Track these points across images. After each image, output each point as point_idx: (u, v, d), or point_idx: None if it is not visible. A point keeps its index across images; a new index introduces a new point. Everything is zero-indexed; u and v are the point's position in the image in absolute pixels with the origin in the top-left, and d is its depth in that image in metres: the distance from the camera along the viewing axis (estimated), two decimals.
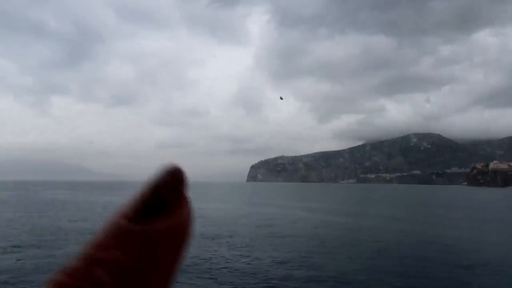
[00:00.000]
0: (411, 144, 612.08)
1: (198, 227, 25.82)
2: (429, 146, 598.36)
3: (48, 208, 40.74)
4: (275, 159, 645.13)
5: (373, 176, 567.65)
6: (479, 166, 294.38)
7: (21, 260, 14.80)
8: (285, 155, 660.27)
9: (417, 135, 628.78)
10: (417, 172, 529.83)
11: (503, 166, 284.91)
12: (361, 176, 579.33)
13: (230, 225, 27.62)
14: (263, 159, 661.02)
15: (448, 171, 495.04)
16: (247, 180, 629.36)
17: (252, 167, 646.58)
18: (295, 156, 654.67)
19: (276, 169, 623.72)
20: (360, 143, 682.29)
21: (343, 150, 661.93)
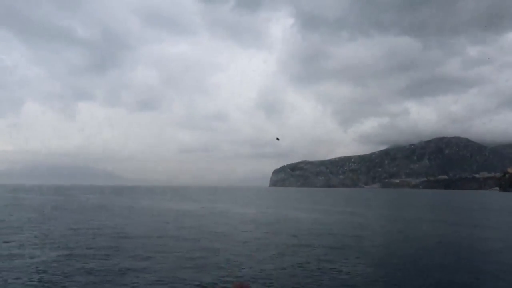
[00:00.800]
0: (437, 148, 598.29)
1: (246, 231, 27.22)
2: (456, 150, 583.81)
3: (106, 213, 43.02)
4: (298, 163, 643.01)
5: (397, 181, 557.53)
6: (511, 170, 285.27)
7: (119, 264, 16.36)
8: (307, 159, 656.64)
9: (443, 138, 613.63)
10: (443, 177, 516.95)
11: None
12: (386, 181, 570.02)
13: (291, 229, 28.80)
14: (285, 164, 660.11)
15: (477, 175, 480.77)
16: (270, 185, 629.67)
17: (275, 171, 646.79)
18: (318, 161, 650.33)
19: (299, 174, 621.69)
20: (384, 147, 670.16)
21: (367, 154, 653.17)
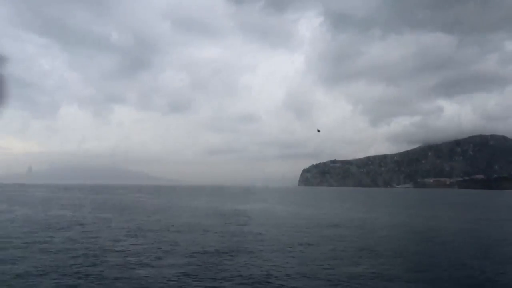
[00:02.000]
0: (473, 146, 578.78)
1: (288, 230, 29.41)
2: (493, 148, 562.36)
3: (164, 213, 46.38)
4: (327, 163, 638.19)
5: (431, 180, 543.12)
6: None
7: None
8: (337, 159, 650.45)
9: (479, 137, 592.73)
10: (480, 176, 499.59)
11: None
12: (418, 180, 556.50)
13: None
14: (314, 163, 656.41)
15: None
16: (299, 184, 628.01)
17: (304, 171, 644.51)
18: (348, 160, 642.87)
19: (328, 173, 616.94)
20: (416, 146, 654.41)
21: (398, 153, 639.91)
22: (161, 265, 16.78)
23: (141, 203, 64.47)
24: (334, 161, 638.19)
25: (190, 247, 21.22)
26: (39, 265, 16.24)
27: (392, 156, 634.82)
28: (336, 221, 38.28)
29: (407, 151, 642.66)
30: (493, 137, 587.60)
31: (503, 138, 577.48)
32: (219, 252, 20.01)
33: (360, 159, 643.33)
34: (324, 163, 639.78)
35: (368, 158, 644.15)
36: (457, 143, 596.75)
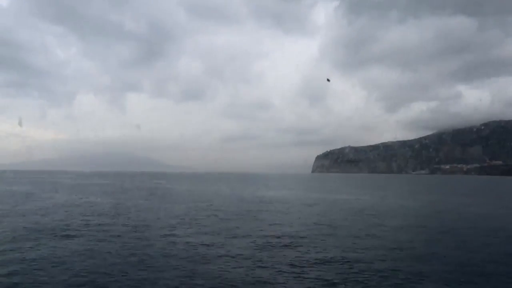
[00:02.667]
0: (491, 132, 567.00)
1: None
2: None
3: (220, 200, 46.42)
4: (341, 149, 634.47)
5: (447, 166, 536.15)
6: None
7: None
8: (351, 145, 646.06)
9: (498, 122, 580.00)
10: (498, 162, 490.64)
11: None
12: (435, 167, 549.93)
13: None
14: (328, 150, 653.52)
15: None
16: (313, 171, 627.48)
17: (317, 158, 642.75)
18: (362, 146, 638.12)
19: (343, 160, 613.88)
20: (433, 132, 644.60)
21: (414, 140, 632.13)
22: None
23: (174, 190, 64.94)
24: (348, 148, 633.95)
25: (263, 233, 21.14)
26: (129, 247, 16.33)
27: (408, 142, 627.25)
28: (385, 208, 37.88)
29: (423, 137, 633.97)
30: None
31: None
32: (295, 237, 19.91)
33: (375, 146, 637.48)
34: (339, 150, 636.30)
35: (383, 144, 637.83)
36: (475, 129, 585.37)
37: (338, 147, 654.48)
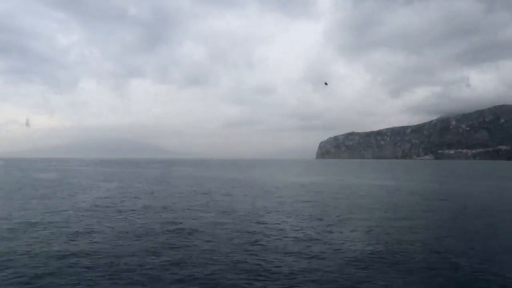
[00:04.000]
0: (496, 117, 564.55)
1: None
2: None
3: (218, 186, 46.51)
4: (345, 135, 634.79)
5: (452, 152, 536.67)
6: None
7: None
8: (355, 131, 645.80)
9: (504, 106, 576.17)
10: (503, 147, 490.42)
11: None
12: (439, 152, 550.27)
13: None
14: (332, 136, 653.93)
15: None
16: (317, 157, 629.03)
17: (322, 143, 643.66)
18: (366, 132, 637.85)
19: (347, 146, 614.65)
20: (437, 116, 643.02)
21: (418, 125, 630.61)
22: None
23: (202, 178, 65.18)
24: (352, 133, 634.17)
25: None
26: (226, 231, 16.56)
27: (412, 127, 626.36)
28: (404, 192, 38.19)
29: (427, 122, 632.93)
30: None
31: None
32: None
33: (379, 131, 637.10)
34: (343, 135, 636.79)
35: (387, 129, 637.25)
36: (481, 113, 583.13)
37: (342, 132, 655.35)
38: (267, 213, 24.18)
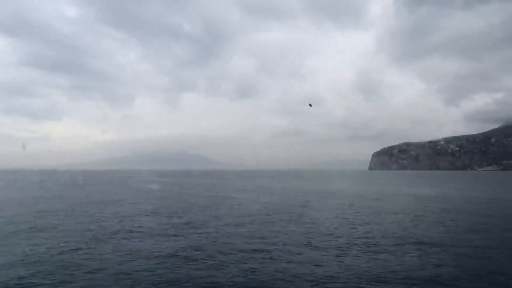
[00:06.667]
0: None
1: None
2: None
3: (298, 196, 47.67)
4: (400, 145, 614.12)
5: None
6: None
7: None
8: (410, 141, 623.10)
9: None
10: None
11: None
12: (504, 162, 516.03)
13: None
14: (385, 146, 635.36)
15: None
16: (370, 168, 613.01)
17: (374, 154, 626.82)
18: (422, 142, 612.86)
19: (401, 156, 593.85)
20: (499, 125, 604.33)
21: (479, 134, 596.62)
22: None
23: (287, 189, 67.49)
24: (407, 144, 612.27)
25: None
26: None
27: (471, 136, 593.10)
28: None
29: (488, 131, 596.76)
30: None
31: None
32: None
33: (436, 141, 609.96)
34: (397, 146, 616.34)
35: (445, 139, 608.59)
36: None
37: (396, 142, 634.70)
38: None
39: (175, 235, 20.94)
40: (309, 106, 47.52)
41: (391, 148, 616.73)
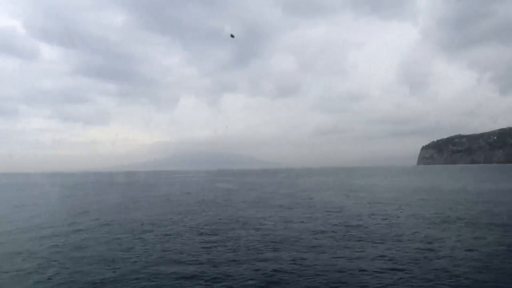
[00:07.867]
0: None
1: None
2: None
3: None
4: (450, 138, 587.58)
5: None
6: None
7: None
8: (461, 133, 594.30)
9: None
10: None
11: None
12: None
13: None
14: (434, 140, 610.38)
15: None
16: (418, 163, 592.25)
17: (423, 148, 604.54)
18: (474, 134, 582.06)
19: (453, 150, 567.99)
20: None
21: None
22: None
23: (355, 186, 67.86)
24: (458, 136, 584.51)
25: None
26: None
27: None
28: None
29: None
30: None
31: None
32: None
33: (490, 132, 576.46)
34: (447, 139, 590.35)
35: (500, 130, 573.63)
36: None
37: (446, 135, 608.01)
38: None
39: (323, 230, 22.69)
40: (231, 37, 48.81)
41: (441, 141, 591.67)
